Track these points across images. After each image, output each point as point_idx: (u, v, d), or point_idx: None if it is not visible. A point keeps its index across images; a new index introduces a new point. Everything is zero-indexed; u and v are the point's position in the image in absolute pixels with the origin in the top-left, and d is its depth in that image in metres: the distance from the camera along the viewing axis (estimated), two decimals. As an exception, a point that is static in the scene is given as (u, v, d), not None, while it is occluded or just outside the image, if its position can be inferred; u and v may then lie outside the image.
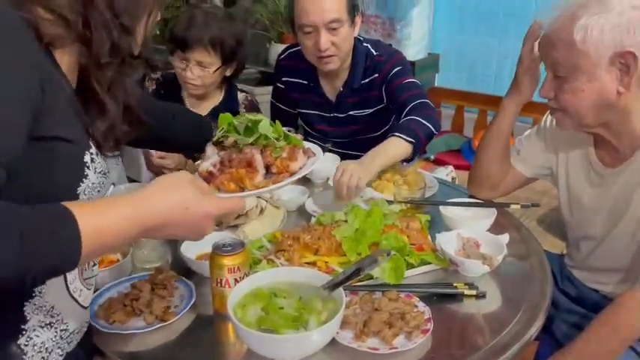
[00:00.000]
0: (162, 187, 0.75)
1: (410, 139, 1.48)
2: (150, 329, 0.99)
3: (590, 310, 1.27)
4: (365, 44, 1.80)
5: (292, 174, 0.99)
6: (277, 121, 1.06)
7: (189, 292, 1.08)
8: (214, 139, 1.03)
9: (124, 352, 0.95)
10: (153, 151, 1.63)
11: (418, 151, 1.53)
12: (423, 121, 1.54)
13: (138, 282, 1.08)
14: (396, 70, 1.74)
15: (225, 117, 1.02)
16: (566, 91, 1.11)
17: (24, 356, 0.78)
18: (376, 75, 1.77)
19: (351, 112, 1.84)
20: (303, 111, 1.93)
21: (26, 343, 0.78)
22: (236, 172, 0.94)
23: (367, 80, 1.78)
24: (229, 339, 1.01)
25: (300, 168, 1.01)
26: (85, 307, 0.87)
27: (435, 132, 1.57)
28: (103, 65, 0.77)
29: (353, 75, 1.78)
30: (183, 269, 1.15)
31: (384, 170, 1.57)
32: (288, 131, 1.17)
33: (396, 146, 1.48)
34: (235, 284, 0.99)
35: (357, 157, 1.48)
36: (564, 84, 1.11)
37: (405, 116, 1.59)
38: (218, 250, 1.01)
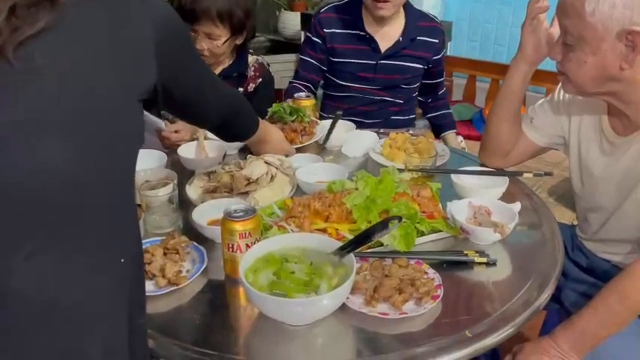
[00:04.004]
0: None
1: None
2: (162, 292, 1.00)
3: (599, 279, 1.27)
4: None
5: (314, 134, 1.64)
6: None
7: (200, 257, 1.09)
8: (267, 116, 1.63)
9: (138, 314, 0.97)
10: (165, 127, 1.63)
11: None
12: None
13: (150, 246, 1.09)
14: (444, 51, 2.08)
15: (275, 106, 1.65)
16: (570, 59, 1.10)
17: None
18: (436, 40, 2.00)
19: (403, 63, 1.99)
20: (345, 60, 1.99)
21: None
22: (288, 135, 1.58)
23: (423, 39, 1.98)
24: (240, 303, 1.02)
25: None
26: None
27: None
28: None
29: (410, 26, 1.96)
30: (195, 235, 1.16)
31: (395, 138, 1.57)
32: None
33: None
34: (247, 249, 1.00)
35: (380, 105, 2.04)
36: (570, 52, 1.10)
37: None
38: (229, 215, 1.01)
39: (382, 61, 1.97)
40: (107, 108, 0.64)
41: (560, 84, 1.31)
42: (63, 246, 0.62)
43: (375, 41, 1.94)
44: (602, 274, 1.28)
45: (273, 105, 1.65)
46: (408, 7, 1.97)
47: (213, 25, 1.65)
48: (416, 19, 1.98)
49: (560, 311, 1.33)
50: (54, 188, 0.59)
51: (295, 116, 1.63)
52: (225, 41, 1.69)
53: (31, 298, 0.61)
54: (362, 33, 1.94)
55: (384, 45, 1.96)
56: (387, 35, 1.96)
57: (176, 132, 1.62)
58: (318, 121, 1.67)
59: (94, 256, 0.65)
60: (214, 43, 1.68)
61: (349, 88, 2.02)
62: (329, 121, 1.68)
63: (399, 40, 1.95)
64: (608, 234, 1.28)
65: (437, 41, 2.01)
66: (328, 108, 2.09)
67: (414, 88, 2.09)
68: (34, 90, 0.58)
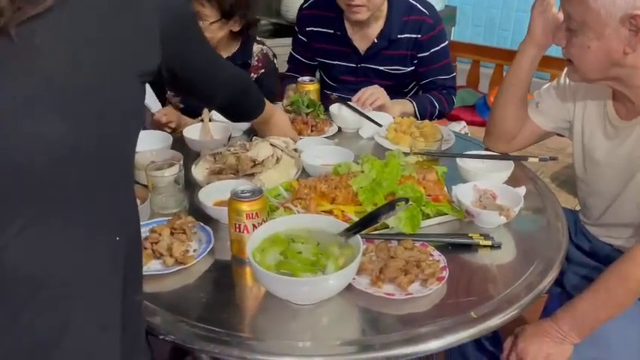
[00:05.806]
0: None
1: (418, 115, 1.77)
2: (169, 271, 1.01)
3: (601, 263, 1.28)
4: None
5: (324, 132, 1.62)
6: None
7: (207, 237, 1.09)
8: (284, 105, 1.70)
9: (145, 292, 0.97)
10: (155, 110, 1.62)
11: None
12: (437, 110, 1.84)
13: (157, 226, 1.10)
14: (442, 46, 1.82)
15: (295, 95, 1.71)
16: (574, 44, 1.10)
17: None
18: (418, 36, 1.77)
19: (383, 67, 1.83)
20: (328, 61, 1.90)
21: None
22: (298, 125, 1.58)
23: (405, 36, 1.78)
24: (247, 282, 1.03)
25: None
26: None
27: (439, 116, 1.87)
28: None
29: (390, 26, 1.76)
30: (201, 216, 1.16)
31: (401, 122, 1.57)
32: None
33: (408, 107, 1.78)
34: (253, 230, 1.00)
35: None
36: (573, 37, 1.10)
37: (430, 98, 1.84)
38: (236, 196, 1.02)
39: (362, 65, 1.84)
40: (107, 88, 0.65)
41: (566, 68, 1.31)
42: (55, 220, 0.63)
43: (353, 43, 1.81)
44: (604, 257, 1.29)
45: (293, 95, 1.68)
46: (392, 3, 1.76)
47: (199, 4, 1.63)
48: (401, 14, 1.76)
49: (562, 294, 1.34)
50: (49, 163, 0.60)
51: (312, 109, 1.64)
52: (213, 23, 1.67)
53: (20, 272, 0.62)
54: (339, 33, 1.80)
55: (362, 47, 1.81)
56: (366, 36, 1.80)
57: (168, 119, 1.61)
58: (332, 122, 1.64)
59: (86, 232, 0.66)
60: (202, 23, 1.66)
61: (340, 89, 1.90)
62: (342, 107, 1.67)
63: (374, 41, 1.78)
64: (609, 218, 1.29)
65: (419, 36, 1.77)
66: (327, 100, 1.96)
67: (406, 92, 1.92)
68: (33, 67, 0.59)
